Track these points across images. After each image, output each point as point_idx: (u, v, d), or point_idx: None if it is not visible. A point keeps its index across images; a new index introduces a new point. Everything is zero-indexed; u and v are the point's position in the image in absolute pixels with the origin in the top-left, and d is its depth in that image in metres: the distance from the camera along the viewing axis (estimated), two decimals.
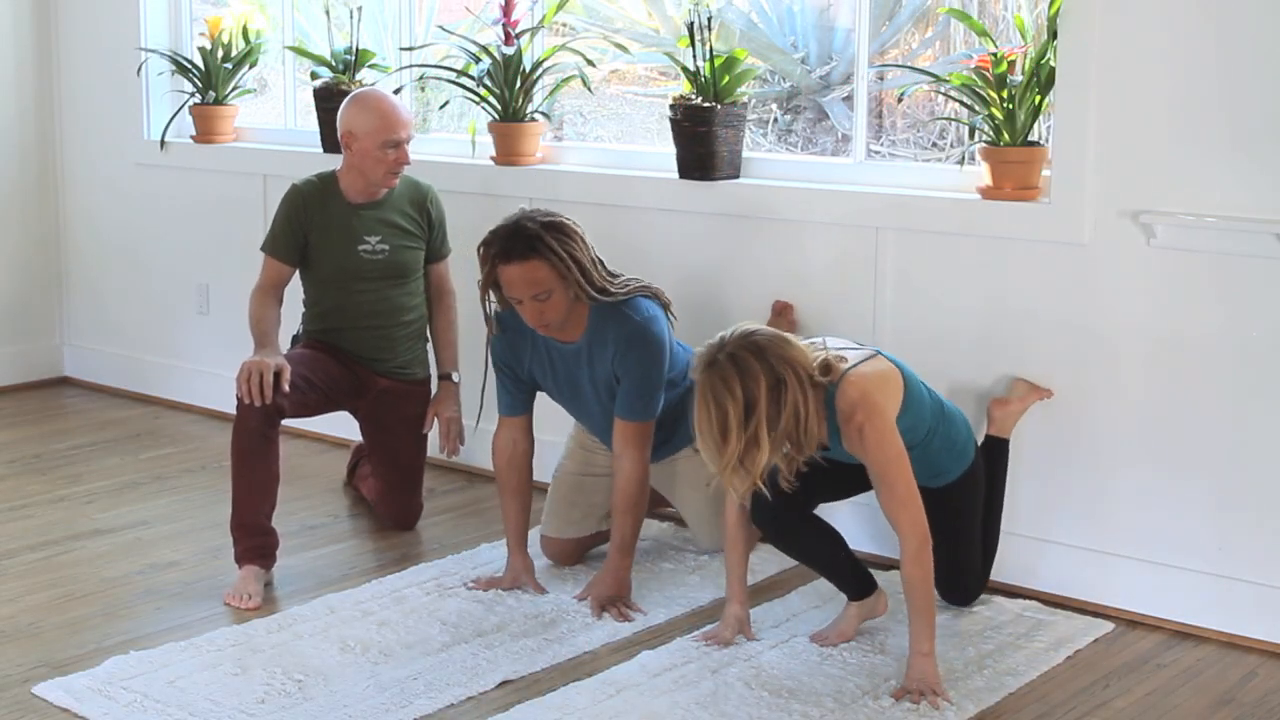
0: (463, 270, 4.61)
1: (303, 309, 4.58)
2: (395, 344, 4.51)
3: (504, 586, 4.03)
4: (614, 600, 3.91)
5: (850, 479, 3.71)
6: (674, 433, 4.09)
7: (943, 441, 3.69)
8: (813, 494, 3.67)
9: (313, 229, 4.44)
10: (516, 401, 4.07)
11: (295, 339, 4.61)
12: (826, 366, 3.44)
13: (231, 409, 4.20)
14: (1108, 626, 3.86)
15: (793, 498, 3.58)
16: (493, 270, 3.83)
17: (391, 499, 4.60)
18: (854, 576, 3.75)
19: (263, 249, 4.48)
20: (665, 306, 4.00)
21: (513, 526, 4.08)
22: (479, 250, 3.86)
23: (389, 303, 4.48)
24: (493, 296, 3.90)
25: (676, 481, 4.26)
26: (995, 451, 3.97)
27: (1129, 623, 3.89)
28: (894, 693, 3.43)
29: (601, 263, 3.90)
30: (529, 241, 3.78)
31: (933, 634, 3.45)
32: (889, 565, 4.15)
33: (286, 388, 4.12)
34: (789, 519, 3.68)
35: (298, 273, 4.50)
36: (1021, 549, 4.02)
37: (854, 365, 3.49)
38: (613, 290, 3.87)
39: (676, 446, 4.16)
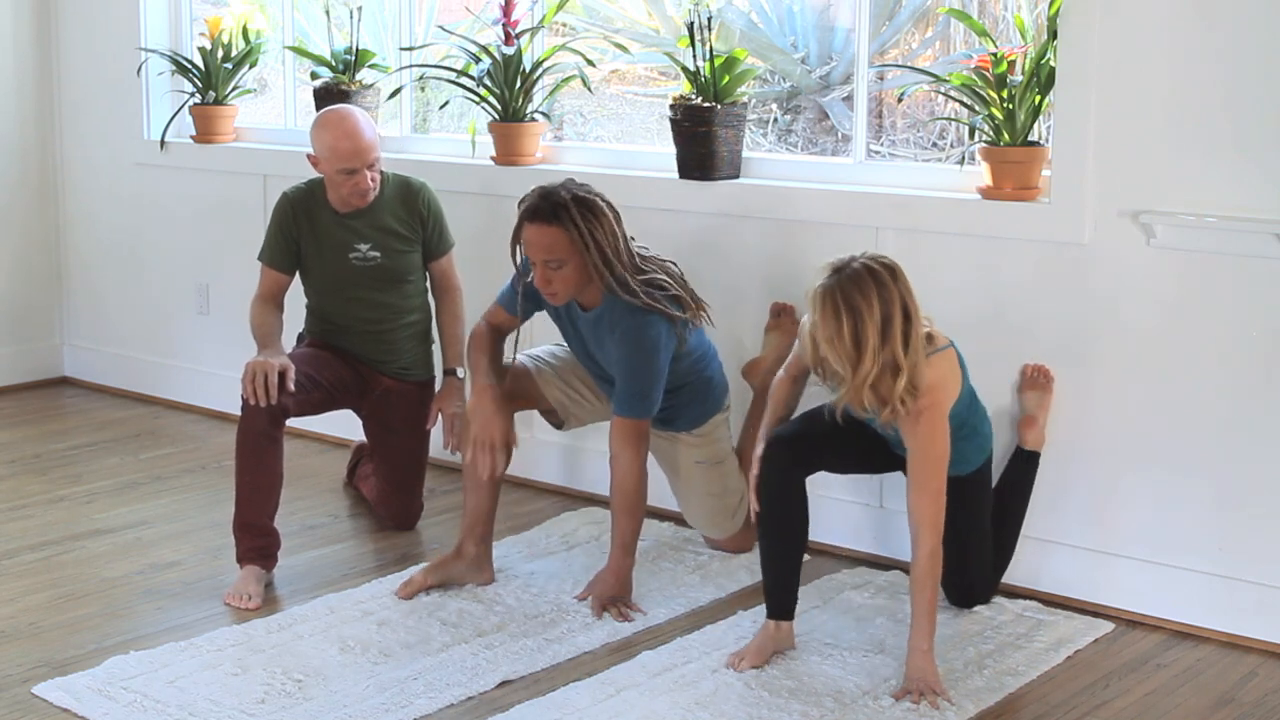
0: (466, 269, 4.60)
1: (305, 310, 4.58)
2: (396, 345, 4.51)
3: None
4: (615, 600, 3.91)
5: (861, 455, 3.71)
6: (677, 414, 4.11)
7: (970, 431, 3.71)
8: (824, 454, 3.66)
9: (303, 237, 4.43)
10: (516, 306, 4.05)
11: (300, 338, 4.61)
12: (929, 336, 3.48)
13: (232, 409, 4.20)
14: (1108, 626, 3.86)
15: (806, 448, 3.59)
16: (520, 225, 3.86)
17: (392, 499, 4.59)
18: (789, 594, 3.64)
19: (259, 258, 4.48)
20: (683, 323, 3.93)
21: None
22: (518, 204, 3.91)
23: (387, 307, 4.47)
24: (520, 253, 3.91)
25: (679, 462, 4.24)
26: (1028, 463, 3.98)
27: (1129, 623, 3.89)
28: (894, 693, 3.43)
29: (633, 254, 3.89)
30: (554, 208, 3.80)
31: (933, 632, 3.46)
32: (889, 565, 4.16)
33: (291, 387, 4.12)
34: (796, 472, 3.61)
35: (298, 276, 4.51)
36: (1022, 549, 4.02)
37: (939, 350, 3.53)
38: (632, 288, 3.84)
39: (678, 428, 4.16)
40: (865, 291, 3.34)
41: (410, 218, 4.46)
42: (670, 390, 4.01)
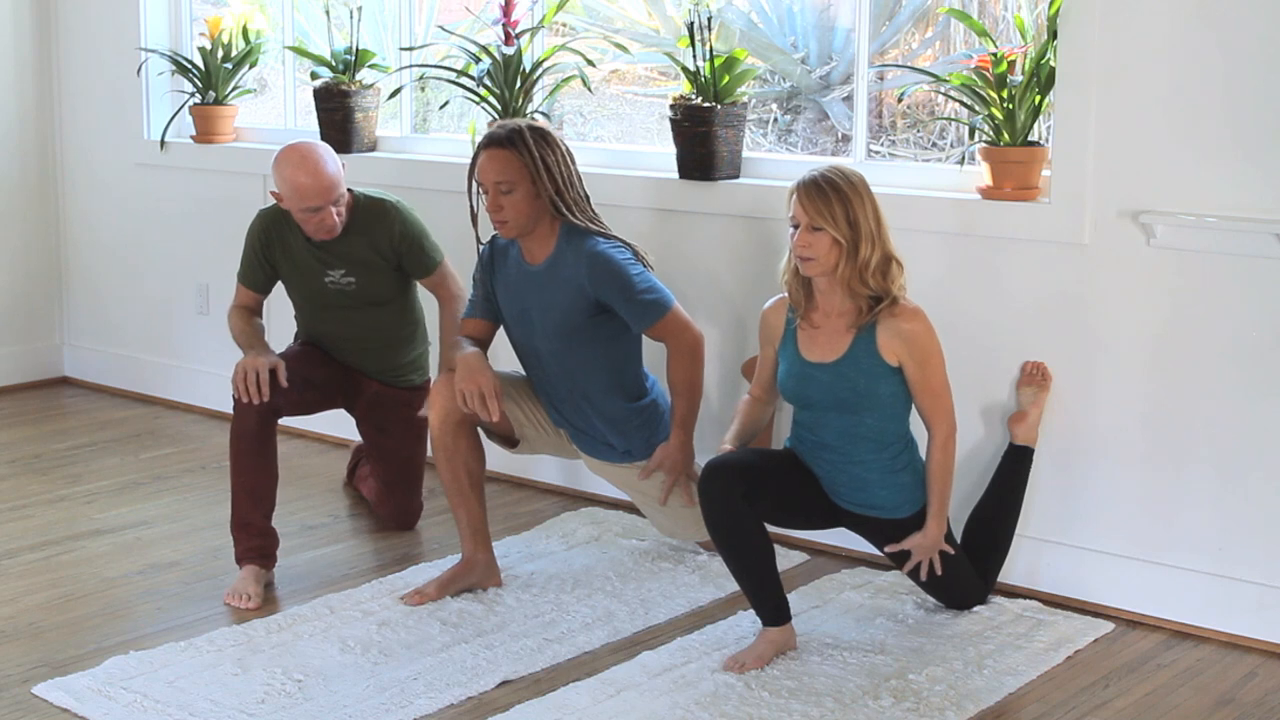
0: (465, 273, 4.59)
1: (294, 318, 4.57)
2: (385, 357, 4.47)
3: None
4: (676, 471, 3.95)
5: (806, 503, 3.75)
6: (638, 447, 4.06)
7: (910, 457, 3.73)
8: (763, 482, 3.63)
9: (278, 260, 4.39)
10: (482, 309, 4.07)
11: (296, 337, 4.60)
12: (895, 301, 3.60)
13: (231, 409, 4.21)
14: (1108, 626, 3.86)
15: (743, 469, 3.59)
16: (476, 154, 3.91)
17: (391, 499, 4.59)
18: (778, 598, 3.64)
19: (237, 277, 4.45)
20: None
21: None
22: None
23: (370, 325, 4.43)
24: (476, 189, 3.94)
25: (649, 488, 4.13)
26: (1021, 459, 3.98)
27: (1129, 623, 3.89)
28: (904, 567, 3.73)
29: (586, 195, 3.94)
30: (509, 133, 3.87)
31: (945, 515, 3.68)
32: (889, 566, 4.15)
33: (284, 382, 4.11)
34: (733, 492, 3.55)
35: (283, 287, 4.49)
36: (1021, 549, 4.02)
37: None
38: (586, 216, 3.91)
39: (636, 457, 4.09)
40: (851, 180, 3.55)
41: (381, 247, 4.34)
42: (630, 427, 4.02)
